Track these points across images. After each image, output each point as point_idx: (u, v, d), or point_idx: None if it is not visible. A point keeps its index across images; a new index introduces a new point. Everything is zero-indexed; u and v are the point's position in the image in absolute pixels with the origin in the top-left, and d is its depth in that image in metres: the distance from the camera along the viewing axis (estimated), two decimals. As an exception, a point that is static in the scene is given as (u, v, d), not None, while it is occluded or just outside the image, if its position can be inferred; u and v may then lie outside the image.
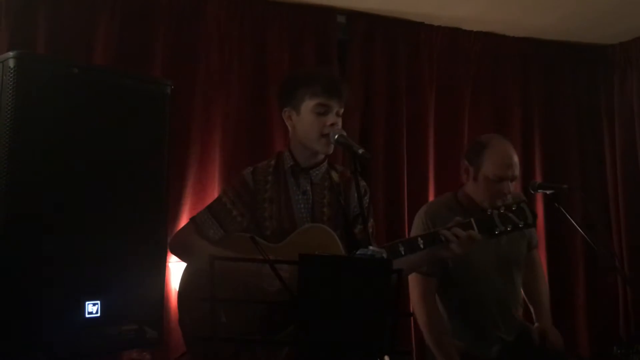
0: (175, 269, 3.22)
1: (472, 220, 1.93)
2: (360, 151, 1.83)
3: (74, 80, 1.90)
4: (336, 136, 1.96)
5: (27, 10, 3.09)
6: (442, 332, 2.51)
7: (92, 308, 1.90)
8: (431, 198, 3.84)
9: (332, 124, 2.00)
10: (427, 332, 2.53)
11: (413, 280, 2.54)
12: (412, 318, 3.60)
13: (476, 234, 1.91)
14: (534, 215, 1.96)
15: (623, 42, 4.13)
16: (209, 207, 2.15)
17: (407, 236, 3.63)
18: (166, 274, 3.00)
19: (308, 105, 2.01)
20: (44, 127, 1.84)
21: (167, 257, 3.08)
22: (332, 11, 3.70)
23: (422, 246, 1.92)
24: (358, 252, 1.67)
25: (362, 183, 2.11)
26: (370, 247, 1.68)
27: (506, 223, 1.93)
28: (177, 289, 3.19)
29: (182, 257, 2.18)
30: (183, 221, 3.23)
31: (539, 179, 4.02)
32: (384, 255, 1.89)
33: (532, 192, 2.85)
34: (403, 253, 1.91)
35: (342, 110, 2.05)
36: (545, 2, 3.59)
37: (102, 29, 3.22)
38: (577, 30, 4.03)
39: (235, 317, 1.88)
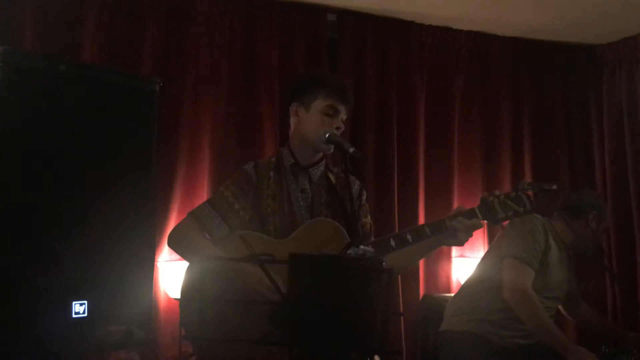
0: (164, 268, 3.20)
1: (476, 208, 1.97)
2: (351, 150, 1.83)
3: (61, 76, 1.88)
4: (327, 135, 1.97)
5: (15, 6, 3.05)
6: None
7: (79, 308, 1.88)
8: (421, 196, 3.85)
9: (338, 128, 2.03)
10: (540, 319, 2.58)
11: (520, 267, 2.60)
12: (402, 318, 3.61)
13: (479, 222, 1.95)
14: (532, 202, 2.00)
15: (611, 42, 4.15)
16: (209, 201, 2.11)
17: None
18: (155, 273, 2.98)
19: (319, 104, 2.03)
20: (31, 124, 1.82)
21: (156, 256, 3.07)
22: (322, 9, 3.68)
23: (429, 234, 1.94)
24: (349, 251, 1.66)
25: (358, 183, 2.14)
26: (361, 247, 1.67)
27: (507, 210, 1.98)
28: (168, 288, 3.19)
29: (181, 252, 2.11)
30: (172, 220, 3.21)
31: (528, 179, 4.02)
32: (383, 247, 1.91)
33: (522, 190, 2.85)
34: (411, 241, 1.93)
35: (345, 117, 2.09)
36: (534, 2, 3.60)
37: (91, 25, 3.18)
38: (566, 30, 4.05)
39: (241, 316, 1.87)
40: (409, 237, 1.93)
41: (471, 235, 1.96)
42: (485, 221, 1.98)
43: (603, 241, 4.07)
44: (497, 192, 2.01)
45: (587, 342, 3.18)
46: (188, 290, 2.03)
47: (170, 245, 2.11)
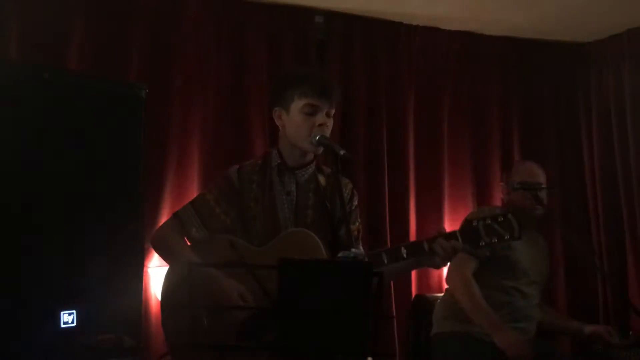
0: (155, 274, 3.18)
1: (457, 232, 1.89)
2: (342, 152, 1.82)
3: (45, 84, 1.86)
4: (317, 137, 1.95)
5: (-2, 12, 3.01)
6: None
7: (68, 318, 1.86)
8: (412, 196, 3.85)
9: (321, 124, 1.99)
10: (476, 301, 2.63)
11: (462, 258, 2.64)
12: (395, 320, 3.60)
13: (459, 244, 1.87)
14: (521, 228, 1.88)
15: (598, 39, 4.17)
16: (192, 203, 2.09)
17: (388, 238, 3.66)
18: (145, 279, 2.96)
19: (297, 105, 2.00)
20: (15, 132, 1.79)
21: (146, 262, 3.04)
22: (310, 11, 3.67)
23: (405, 256, 1.90)
24: (340, 255, 1.65)
25: (350, 186, 2.11)
26: (353, 250, 1.66)
27: (491, 235, 1.87)
28: (159, 294, 3.17)
29: (162, 255, 2.11)
30: (162, 225, 3.18)
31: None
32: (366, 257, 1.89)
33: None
34: (386, 262, 1.88)
35: (332, 111, 2.04)
36: (522, 1, 3.61)
37: (77, 30, 3.15)
38: (554, 29, 4.06)
39: (216, 323, 1.85)
40: (384, 258, 1.88)
41: (450, 259, 1.89)
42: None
43: (593, 241, 4.10)
44: (485, 212, 1.91)
45: (578, 340, 3.20)
46: (164, 297, 2.02)
47: (152, 245, 2.10)
